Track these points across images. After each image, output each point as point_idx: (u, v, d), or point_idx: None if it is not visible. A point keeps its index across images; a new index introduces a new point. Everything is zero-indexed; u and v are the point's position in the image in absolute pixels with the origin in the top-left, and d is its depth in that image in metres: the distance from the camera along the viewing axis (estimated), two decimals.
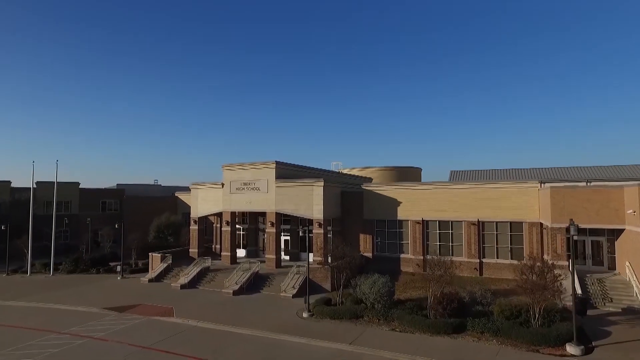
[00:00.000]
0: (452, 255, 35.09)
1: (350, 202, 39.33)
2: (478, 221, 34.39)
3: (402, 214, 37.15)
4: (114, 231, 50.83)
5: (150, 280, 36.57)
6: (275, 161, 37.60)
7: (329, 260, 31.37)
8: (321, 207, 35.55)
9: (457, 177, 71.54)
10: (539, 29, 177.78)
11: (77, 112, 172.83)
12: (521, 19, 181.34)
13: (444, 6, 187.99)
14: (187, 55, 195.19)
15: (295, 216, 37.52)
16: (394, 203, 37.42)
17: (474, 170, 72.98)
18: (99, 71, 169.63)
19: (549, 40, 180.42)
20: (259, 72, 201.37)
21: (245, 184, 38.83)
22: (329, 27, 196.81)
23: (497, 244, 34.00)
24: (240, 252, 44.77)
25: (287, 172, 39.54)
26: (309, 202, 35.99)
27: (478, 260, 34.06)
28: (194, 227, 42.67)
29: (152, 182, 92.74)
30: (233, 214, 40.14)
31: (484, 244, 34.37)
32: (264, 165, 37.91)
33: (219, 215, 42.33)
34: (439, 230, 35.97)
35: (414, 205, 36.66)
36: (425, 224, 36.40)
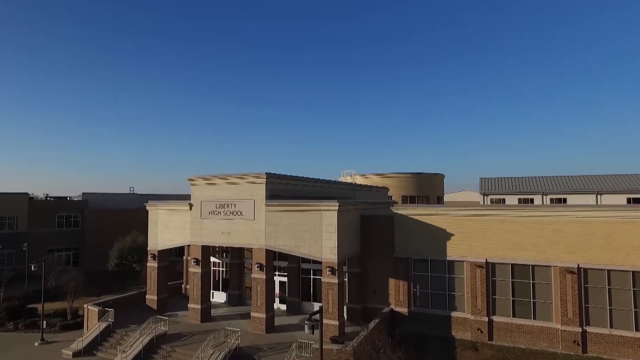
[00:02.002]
0: (535, 317, 23.03)
1: (375, 231, 27.16)
2: (578, 267, 22.26)
3: (454, 251, 24.99)
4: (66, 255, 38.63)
5: (76, 355, 24.15)
6: (266, 173, 25.40)
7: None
8: (334, 243, 23.39)
9: (491, 186, 59.60)
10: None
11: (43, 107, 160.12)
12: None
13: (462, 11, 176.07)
14: (195, 55, 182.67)
15: (295, 255, 25.46)
16: (442, 235, 25.29)
17: (514, 177, 61.00)
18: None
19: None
20: (260, 71, 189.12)
21: (222, 205, 26.60)
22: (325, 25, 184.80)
23: (610, 305, 21.87)
24: (219, 296, 32.49)
25: (283, 189, 27.34)
26: (316, 235, 23.83)
27: (579, 329, 21.92)
28: (152, 265, 30.30)
29: (127, 190, 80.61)
30: (206, 249, 27.91)
31: (588, 303, 22.23)
32: (250, 179, 25.71)
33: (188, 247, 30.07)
34: (513, 278, 23.81)
35: (472, 238, 24.52)
36: (490, 268, 24.24)
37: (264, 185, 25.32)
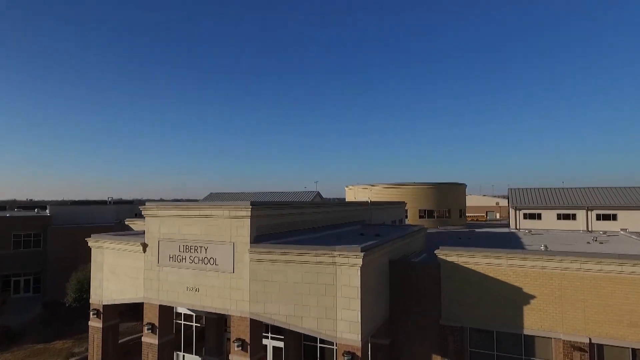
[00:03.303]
0: None
1: (411, 285, 18.64)
2: None
3: (536, 321, 16.49)
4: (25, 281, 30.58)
5: None
6: (252, 203, 16.88)
7: None
8: (357, 315, 14.92)
9: (523, 198, 51.10)
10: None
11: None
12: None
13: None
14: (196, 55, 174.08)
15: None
16: (516, 296, 16.78)
17: (551, 188, 52.52)
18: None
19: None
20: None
21: (188, 248, 18.12)
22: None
23: None
24: None
25: (276, 223, 18.85)
26: (328, 301, 15.36)
27: None
28: (95, 325, 21.72)
29: (105, 200, 71.97)
30: (166, 310, 19.40)
31: None
32: (228, 211, 17.19)
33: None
34: None
35: (566, 304, 16.03)
36: (596, 351, 15.76)
37: (247, 221, 16.83)
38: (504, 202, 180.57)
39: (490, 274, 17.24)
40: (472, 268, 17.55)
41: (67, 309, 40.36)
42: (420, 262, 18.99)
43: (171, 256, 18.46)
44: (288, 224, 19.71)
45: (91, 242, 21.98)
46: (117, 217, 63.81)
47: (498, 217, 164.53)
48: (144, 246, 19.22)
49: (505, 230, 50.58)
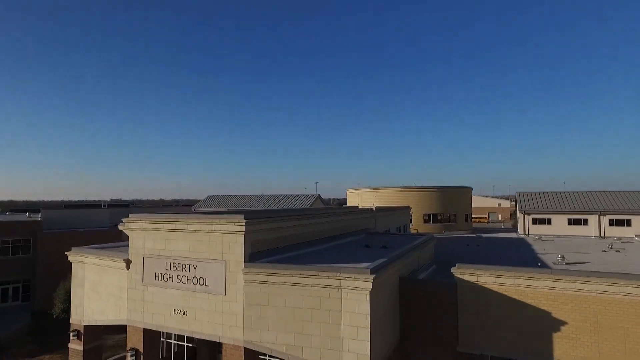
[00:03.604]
0: None
1: (424, 307, 16.73)
2: None
3: (564, 351, 14.55)
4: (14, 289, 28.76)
5: None
6: (245, 216, 14.97)
7: None
8: (365, 346, 13.04)
9: (531, 202, 49.10)
10: None
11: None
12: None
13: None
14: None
15: None
16: (545, 323, 14.84)
17: (561, 192, 50.57)
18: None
19: None
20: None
21: (175, 266, 16.21)
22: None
23: None
24: None
25: (274, 238, 16.95)
26: (332, 330, 13.47)
27: None
28: (75, 347, 19.81)
29: (101, 203, 70.01)
30: (151, 335, 17.48)
31: None
32: (219, 225, 15.27)
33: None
34: None
35: (604, 334, 14.13)
36: None
37: (241, 237, 14.92)
38: (505, 204, 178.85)
39: (514, 296, 15.33)
40: (494, 289, 15.64)
41: (57, 319, 38.51)
42: (434, 282, 17.08)
43: (157, 274, 16.55)
44: (287, 238, 17.81)
45: (71, 255, 20.09)
46: (112, 221, 62.12)
47: (500, 218, 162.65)
48: (128, 262, 17.32)
49: (513, 235, 48.70)
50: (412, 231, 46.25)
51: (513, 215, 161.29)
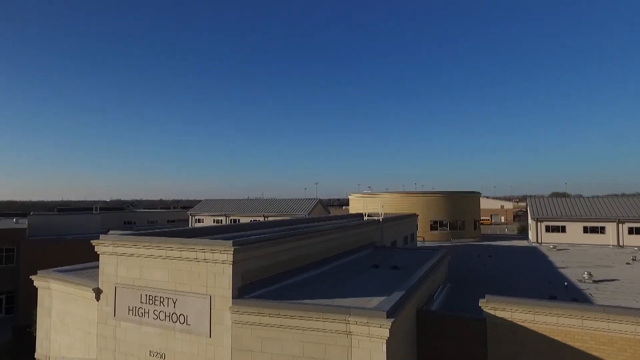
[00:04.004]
0: None
1: (445, 346, 14.15)
2: None
3: None
4: None
5: None
6: (234, 242, 12.41)
7: None
8: None
9: (544, 208, 46.33)
10: None
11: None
12: None
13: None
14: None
15: None
16: None
17: (576, 197, 47.99)
18: None
19: None
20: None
21: (152, 299, 13.63)
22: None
23: None
24: None
25: (269, 264, 14.35)
26: None
27: None
28: None
29: (93, 206, 67.39)
30: None
31: None
32: (203, 252, 12.70)
33: None
34: None
35: None
36: None
37: (229, 268, 12.34)
38: (508, 205, 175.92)
39: (557, 338, 12.75)
40: (532, 328, 13.06)
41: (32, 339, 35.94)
42: (459, 317, 14.45)
43: (131, 308, 13.97)
44: (284, 262, 15.23)
45: (37, 280, 17.49)
46: (105, 225, 59.58)
47: (503, 220, 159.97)
48: (97, 292, 14.73)
49: (524, 243, 46.15)
50: (419, 239, 43.73)
51: (516, 217, 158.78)
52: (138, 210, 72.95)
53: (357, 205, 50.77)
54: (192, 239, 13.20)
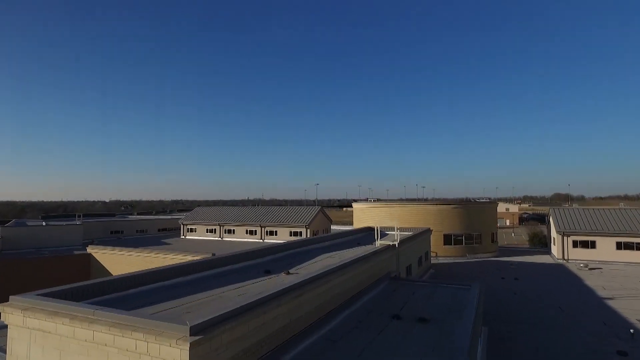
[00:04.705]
0: None
1: None
2: None
3: None
4: None
5: None
6: (192, 327, 7.83)
7: None
8: None
9: (570, 221, 41.64)
10: None
11: None
12: None
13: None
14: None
15: None
16: None
17: (605, 209, 43.49)
18: None
19: None
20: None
21: None
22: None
23: None
24: None
25: (250, 345, 9.68)
26: None
27: None
28: None
29: (74, 218, 62.70)
30: None
31: None
32: (145, 342, 8.11)
33: None
34: None
35: None
36: None
37: None
38: (514, 208, 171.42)
39: None
40: None
41: None
42: None
43: None
44: (276, 334, 10.64)
45: None
46: (87, 236, 54.98)
47: (508, 223, 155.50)
48: None
49: (548, 259, 41.63)
50: (432, 254, 39.19)
51: (522, 221, 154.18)
52: (126, 219, 68.21)
53: (363, 216, 46.17)
54: (131, 316, 8.58)
